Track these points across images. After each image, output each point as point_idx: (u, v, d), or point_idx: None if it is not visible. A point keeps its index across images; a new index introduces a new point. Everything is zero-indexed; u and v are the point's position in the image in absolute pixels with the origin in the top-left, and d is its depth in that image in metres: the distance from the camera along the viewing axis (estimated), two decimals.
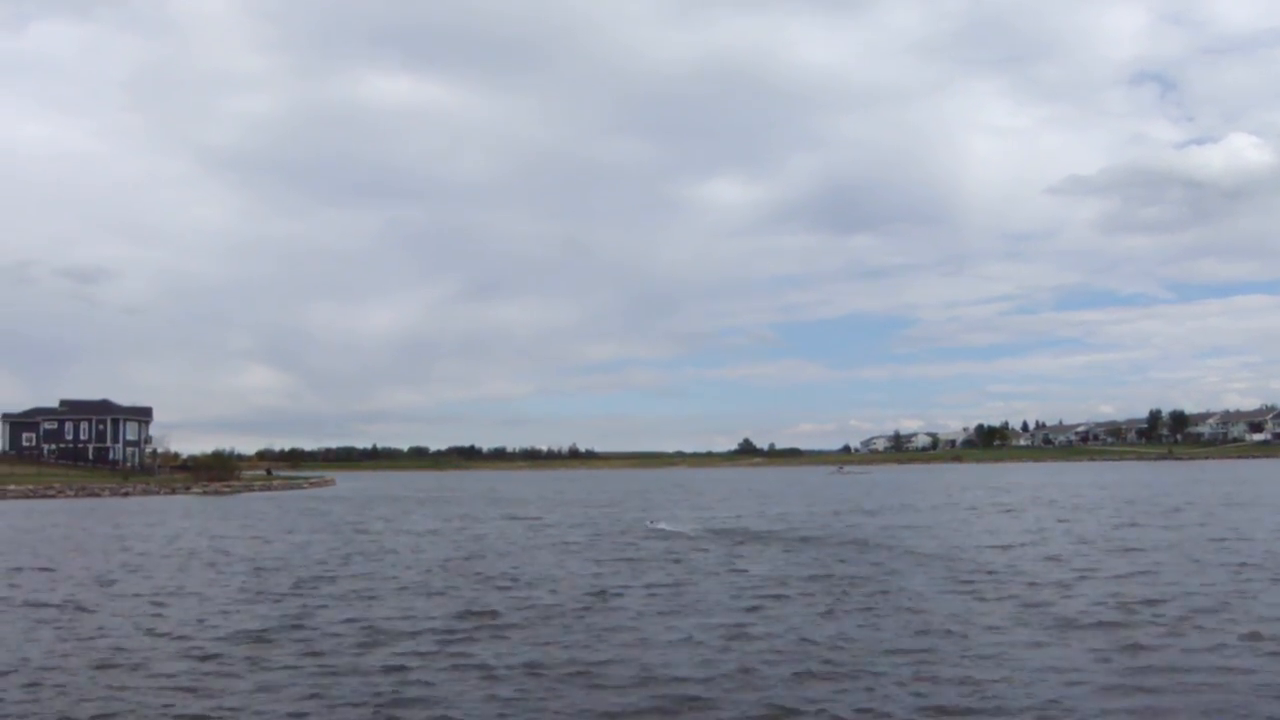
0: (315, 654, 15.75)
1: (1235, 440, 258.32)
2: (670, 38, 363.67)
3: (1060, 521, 40.87)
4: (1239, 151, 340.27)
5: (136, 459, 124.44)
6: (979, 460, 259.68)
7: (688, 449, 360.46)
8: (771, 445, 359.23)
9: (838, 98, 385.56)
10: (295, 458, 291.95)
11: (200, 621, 18.91)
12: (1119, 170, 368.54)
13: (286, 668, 14.92)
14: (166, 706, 12.70)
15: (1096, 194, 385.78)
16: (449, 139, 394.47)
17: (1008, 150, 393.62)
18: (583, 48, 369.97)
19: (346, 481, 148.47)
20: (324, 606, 20.55)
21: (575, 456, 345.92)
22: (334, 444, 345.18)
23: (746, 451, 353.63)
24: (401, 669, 14.66)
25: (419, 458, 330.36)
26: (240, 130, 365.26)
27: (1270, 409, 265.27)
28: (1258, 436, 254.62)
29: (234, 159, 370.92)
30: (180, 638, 17.24)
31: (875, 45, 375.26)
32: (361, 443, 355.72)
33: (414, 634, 17.31)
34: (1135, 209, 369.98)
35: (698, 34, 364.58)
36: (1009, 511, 48.95)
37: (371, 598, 21.82)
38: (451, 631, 17.55)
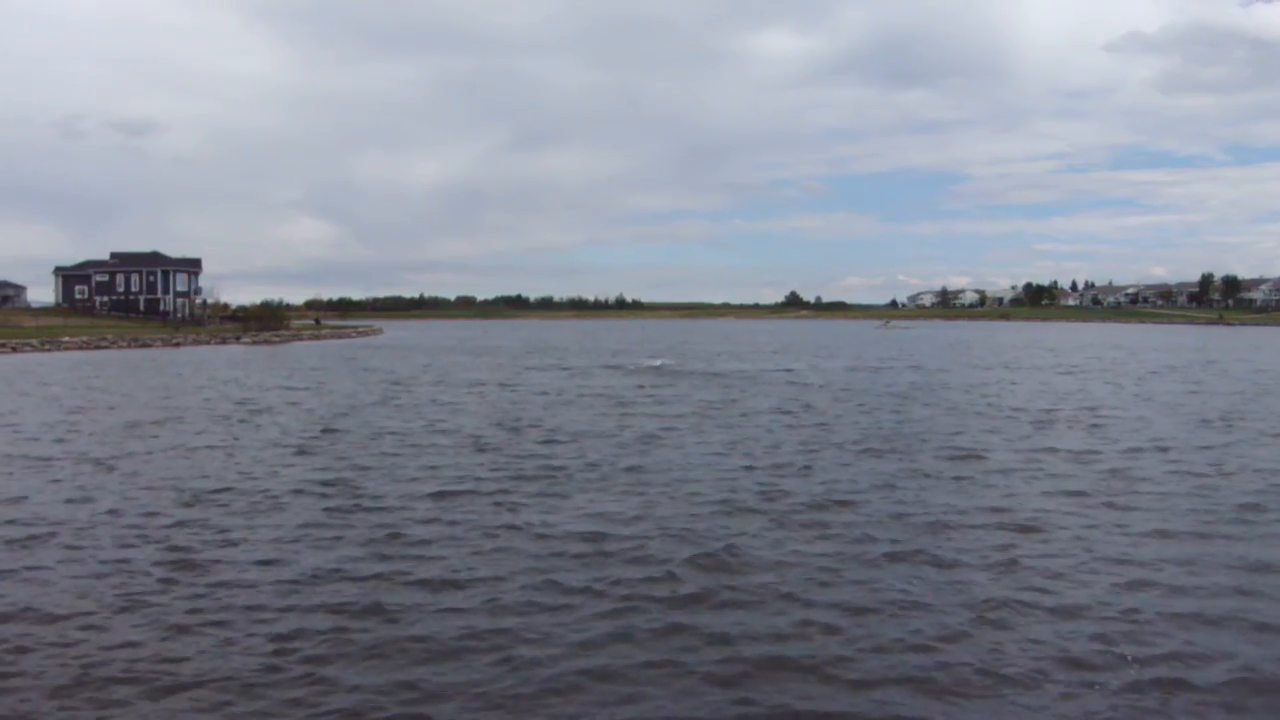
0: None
1: None
2: None
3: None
4: None
5: (187, 310, 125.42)
6: (1027, 319, 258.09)
7: (734, 300, 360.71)
8: (818, 298, 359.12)
9: None
10: (343, 307, 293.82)
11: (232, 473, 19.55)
12: (1181, 28, 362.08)
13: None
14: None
15: (1156, 52, 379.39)
16: None
17: (1064, 5, 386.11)
18: None
19: (394, 330, 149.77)
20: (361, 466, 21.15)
21: (622, 306, 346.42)
22: (382, 293, 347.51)
23: (793, 304, 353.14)
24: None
25: (466, 307, 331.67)
26: None
27: None
28: None
29: (282, 9, 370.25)
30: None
31: None
32: (409, 292, 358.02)
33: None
34: (1196, 68, 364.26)
35: None
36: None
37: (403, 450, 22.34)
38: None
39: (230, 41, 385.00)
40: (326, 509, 15.77)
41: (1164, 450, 22.06)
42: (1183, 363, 59.36)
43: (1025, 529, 14.39)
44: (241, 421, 28.40)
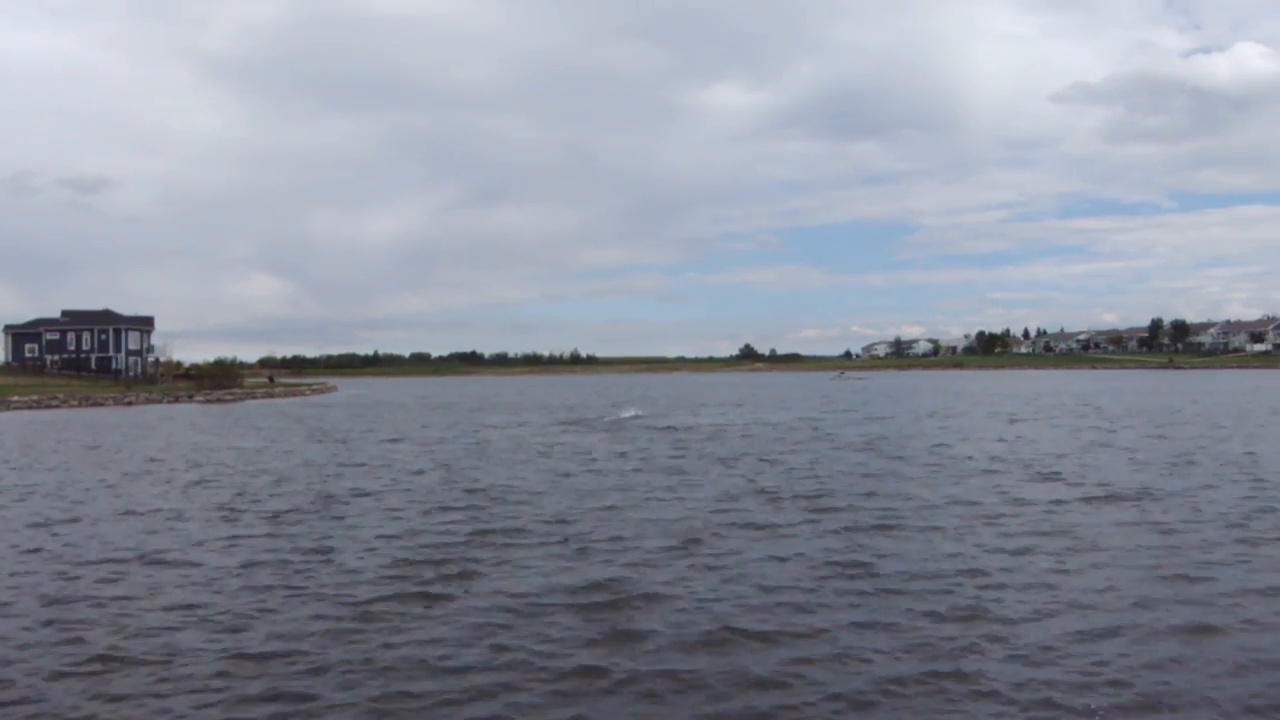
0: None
1: (1236, 350, 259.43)
2: None
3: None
4: (1245, 61, 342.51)
5: (139, 368, 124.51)
6: (980, 367, 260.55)
7: (689, 354, 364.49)
8: (773, 350, 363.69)
9: (842, 3, 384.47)
10: (298, 365, 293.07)
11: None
12: (1124, 78, 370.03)
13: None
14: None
15: (1101, 102, 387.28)
16: (453, 46, 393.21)
17: (1011, 57, 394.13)
18: None
19: (348, 388, 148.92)
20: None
21: (577, 361, 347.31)
22: (336, 350, 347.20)
23: (748, 356, 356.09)
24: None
25: (421, 364, 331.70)
26: (242, 37, 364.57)
27: (1271, 319, 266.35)
28: (1258, 346, 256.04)
29: (236, 66, 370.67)
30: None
31: None
32: (363, 349, 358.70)
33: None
34: (1139, 117, 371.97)
35: None
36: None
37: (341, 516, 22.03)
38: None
39: (183, 98, 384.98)
40: (273, 575, 15.35)
41: (1125, 496, 22.06)
42: (1138, 407, 59.80)
43: (981, 576, 14.32)
44: (192, 484, 27.82)
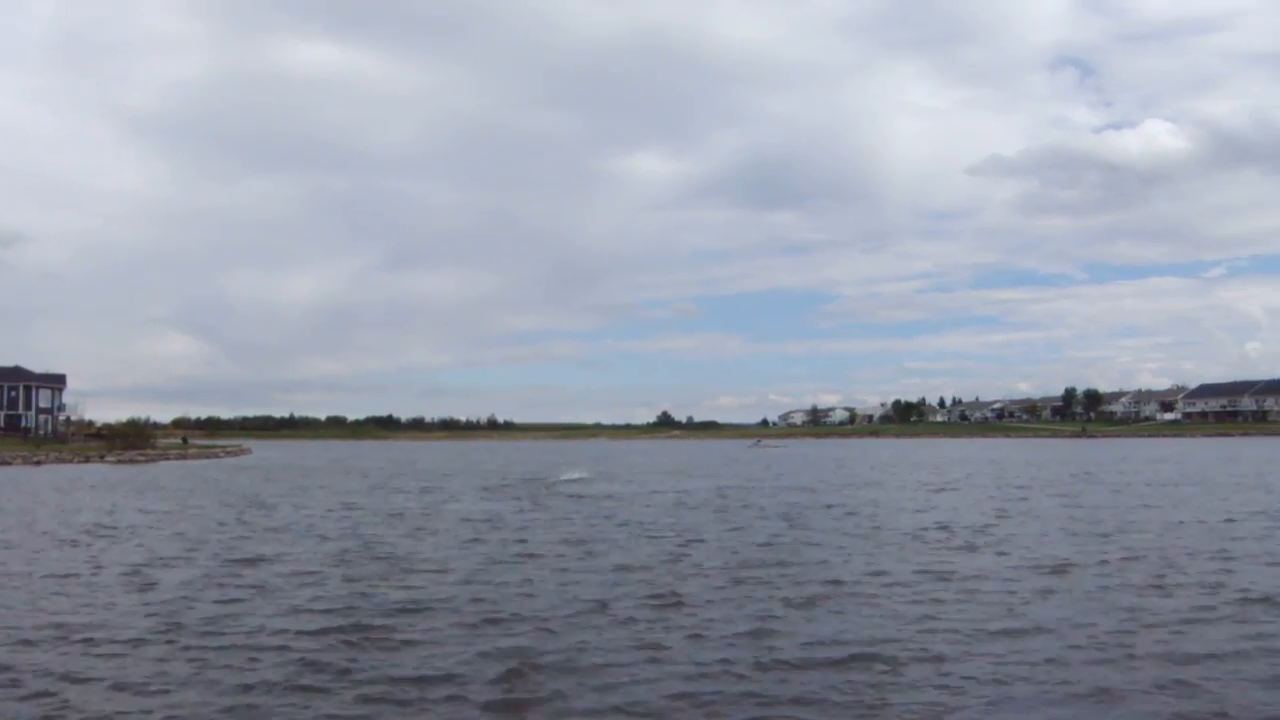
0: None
1: (1147, 419, 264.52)
2: (596, 11, 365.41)
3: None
4: (1155, 137, 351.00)
5: (50, 427, 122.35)
6: (896, 435, 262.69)
7: (607, 420, 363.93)
8: (690, 418, 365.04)
9: (762, 74, 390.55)
10: (212, 426, 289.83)
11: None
12: (1038, 152, 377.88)
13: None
14: None
15: (1015, 175, 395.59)
16: (374, 108, 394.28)
17: (929, 130, 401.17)
18: (508, 19, 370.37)
19: (262, 450, 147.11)
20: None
21: (494, 427, 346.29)
22: (251, 412, 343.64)
23: (665, 424, 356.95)
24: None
25: (336, 427, 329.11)
26: (162, 94, 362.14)
27: (1180, 389, 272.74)
28: (1168, 416, 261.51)
29: (156, 124, 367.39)
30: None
31: (800, 23, 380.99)
32: (279, 411, 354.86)
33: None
34: (1053, 190, 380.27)
35: (624, 8, 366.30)
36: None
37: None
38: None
39: (103, 155, 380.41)
40: (176, 647, 14.69)
41: (1052, 567, 22.00)
42: (1055, 476, 60.23)
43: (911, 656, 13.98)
44: (89, 546, 26.99)
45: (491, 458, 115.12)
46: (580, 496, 46.25)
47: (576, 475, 65.39)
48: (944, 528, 30.59)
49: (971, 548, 25.90)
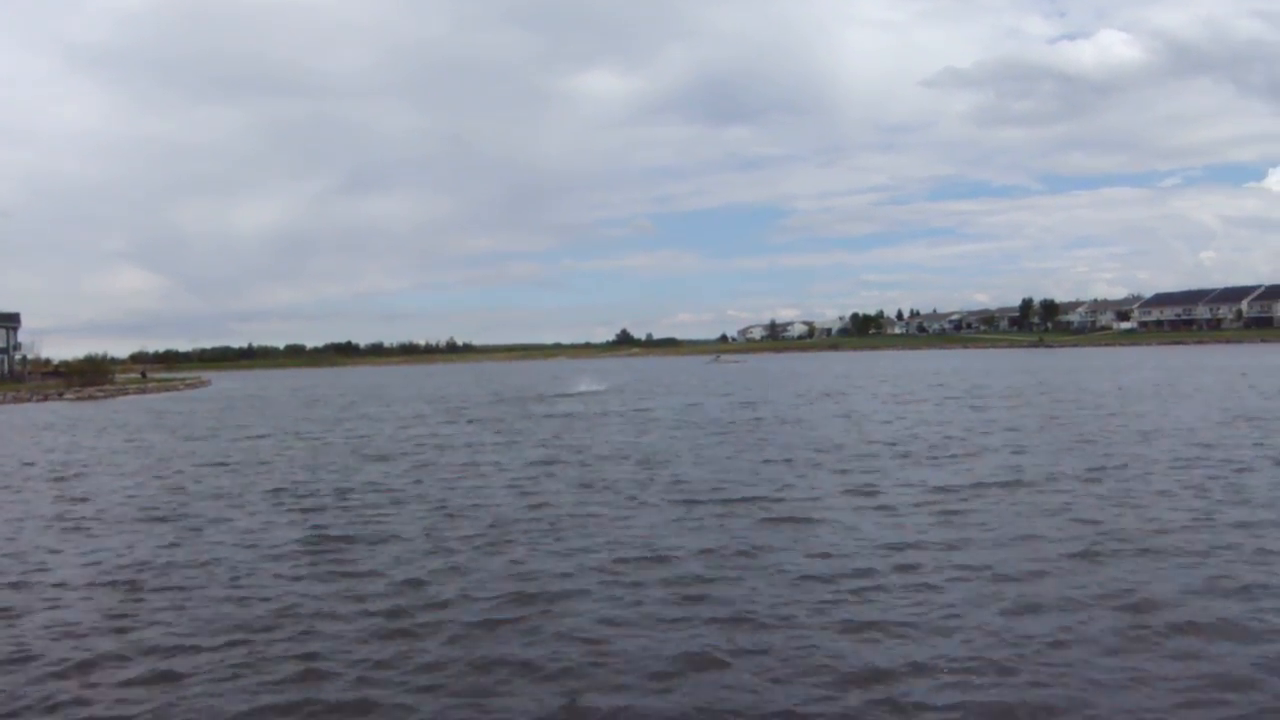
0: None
1: (1103, 328, 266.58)
2: None
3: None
4: (1109, 47, 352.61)
5: (5, 366, 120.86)
6: (855, 349, 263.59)
7: (566, 340, 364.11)
8: (649, 335, 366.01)
9: None
10: (170, 359, 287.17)
11: None
12: (993, 64, 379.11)
13: None
14: None
15: (970, 87, 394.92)
16: (327, 33, 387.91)
17: (883, 43, 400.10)
18: None
19: (222, 381, 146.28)
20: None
21: (453, 350, 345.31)
22: (210, 344, 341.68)
23: (624, 342, 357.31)
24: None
25: (295, 356, 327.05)
26: (108, 26, 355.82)
27: (1136, 298, 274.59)
28: (1125, 325, 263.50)
29: (102, 55, 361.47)
30: None
31: None
32: (237, 342, 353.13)
33: None
34: (1008, 102, 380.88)
35: None
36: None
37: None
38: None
39: (50, 88, 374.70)
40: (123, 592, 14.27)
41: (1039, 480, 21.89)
42: (1017, 385, 60.40)
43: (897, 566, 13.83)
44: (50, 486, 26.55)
45: (457, 379, 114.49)
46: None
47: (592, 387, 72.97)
48: (913, 444, 30.45)
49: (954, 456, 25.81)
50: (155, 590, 14.16)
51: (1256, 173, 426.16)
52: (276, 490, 24.12)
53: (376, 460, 30.43)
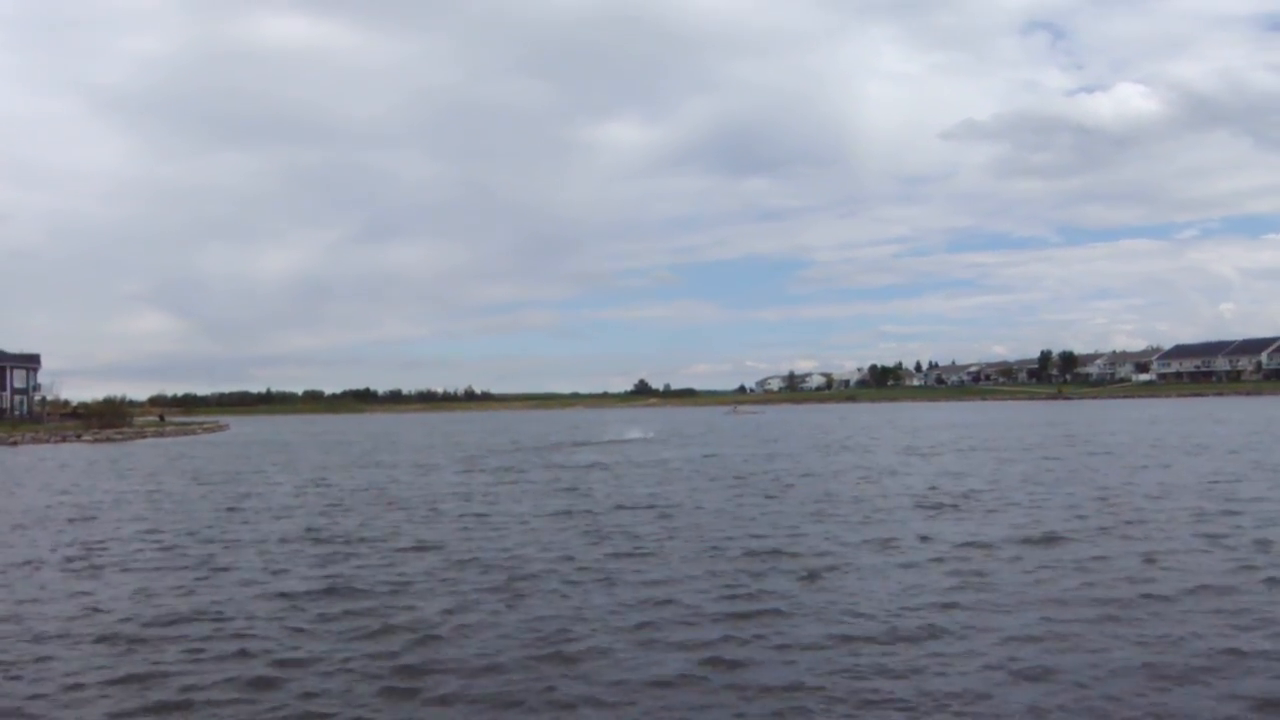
0: None
1: (1122, 380, 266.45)
2: None
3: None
4: (1126, 100, 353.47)
5: (25, 407, 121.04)
6: (873, 400, 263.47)
7: (584, 390, 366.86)
8: (667, 385, 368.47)
9: (734, 41, 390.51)
10: (188, 403, 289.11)
11: None
12: (1011, 116, 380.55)
13: None
14: None
15: (989, 139, 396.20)
16: (346, 80, 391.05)
17: (902, 95, 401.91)
18: None
19: (240, 426, 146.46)
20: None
21: (471, 399, 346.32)
22: (228, 388, 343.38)
23: (642, 392, 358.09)
24: None
25: (313, 401, 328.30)
26: (132, 70, 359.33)
27: (1155, 350, 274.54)
28: (1143, 376, 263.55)
29: (125, 99, 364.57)
30: None
31: None
32: (255, 387, 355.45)
33: None
34: (1026, 154, 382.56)
35: None
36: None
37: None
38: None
39: (76, 132, 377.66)
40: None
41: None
42: (1040, 439, 59.78)
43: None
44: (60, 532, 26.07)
45: (478, 428, 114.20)
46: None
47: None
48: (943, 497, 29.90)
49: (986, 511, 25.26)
50: (164, 640, 13.69)
51: (1274, 224, 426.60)
52: (286, 539, 23.64)
53: (396, 509, 29.94)
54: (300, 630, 14.20)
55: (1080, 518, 23.96)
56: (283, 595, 16.60)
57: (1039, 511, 25.36)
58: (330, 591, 16.83)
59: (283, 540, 23.34)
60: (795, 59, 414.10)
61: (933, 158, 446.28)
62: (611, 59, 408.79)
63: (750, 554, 19.67)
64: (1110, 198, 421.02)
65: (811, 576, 17.21)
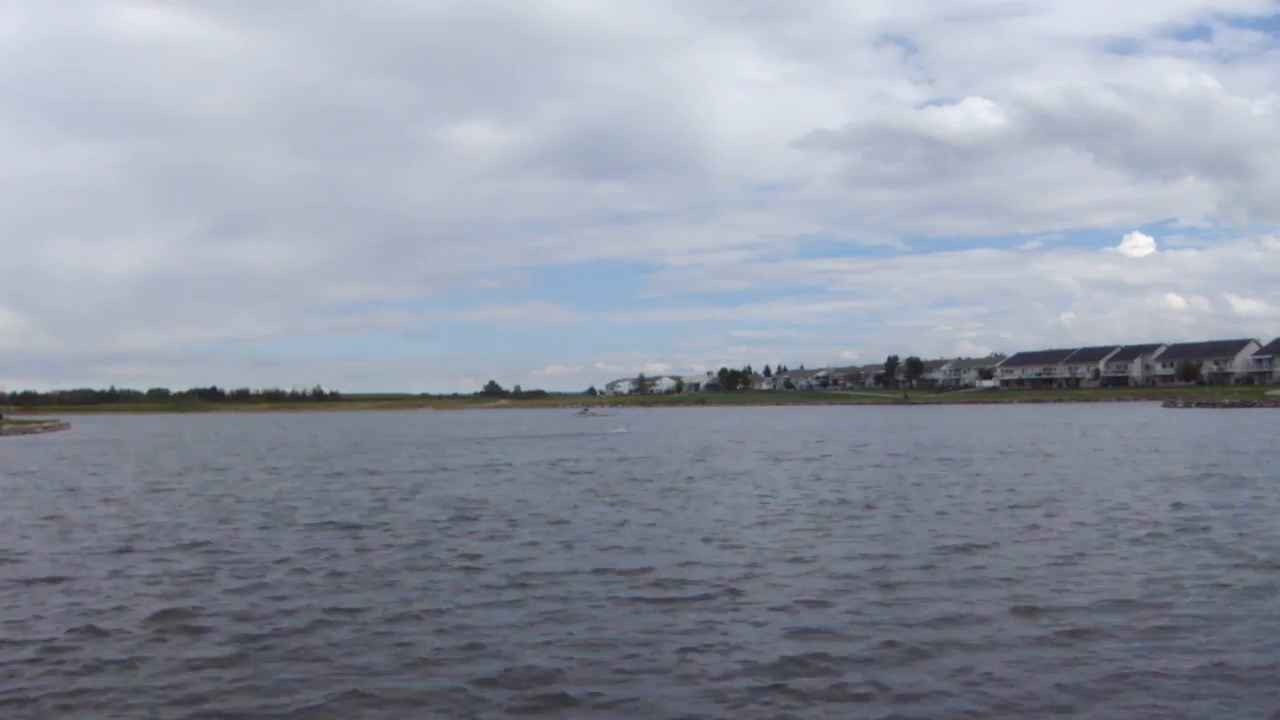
0: None
1: (966, 386, 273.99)
2: None
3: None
4: (974, 114, 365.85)
5: None
6: (723, 404, 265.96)
7: (434, 391, 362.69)
8: (517, 387, 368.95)
9: (591, 46, 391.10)
10: (28, 401, 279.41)
11: None
12: (862, 126, 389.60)
13: None
14: None
15: (840, 148, 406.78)
16: (197, 74, 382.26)
17: (755, 103, 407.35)
18: None
19: (83, 425, 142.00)
20: None
21: (320, 398, 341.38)
22: (70, 386, 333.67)
23: (492, 393, 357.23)
24: None
25: (159, 400, 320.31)
26: None
27: (998, 357, 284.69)
28: (987, 383, 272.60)
29: None
30: None
31: None
32: (99, 384, 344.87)
33: None
34: (876, 164, 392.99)
35: None
36: None
37: None
38: None
39: None
40: None
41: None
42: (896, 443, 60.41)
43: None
44: None
45: (323, 430, 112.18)
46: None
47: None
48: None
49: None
50: None
51: (1113, 238, 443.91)
52: (122, 551, 22.40)
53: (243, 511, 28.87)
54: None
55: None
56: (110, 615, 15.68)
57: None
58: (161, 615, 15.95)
59: (115, 554, 22.19)
60: (651, 64, 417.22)
61: (784, 166, 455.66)
62: (469, 60, 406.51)
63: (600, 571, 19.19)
64: (957, 208, 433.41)
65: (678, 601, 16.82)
